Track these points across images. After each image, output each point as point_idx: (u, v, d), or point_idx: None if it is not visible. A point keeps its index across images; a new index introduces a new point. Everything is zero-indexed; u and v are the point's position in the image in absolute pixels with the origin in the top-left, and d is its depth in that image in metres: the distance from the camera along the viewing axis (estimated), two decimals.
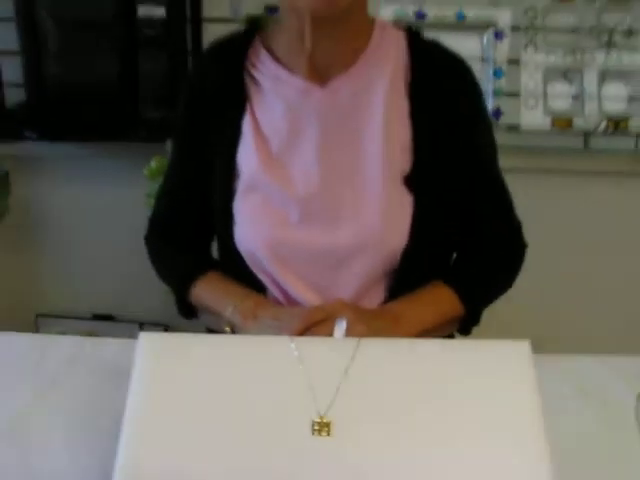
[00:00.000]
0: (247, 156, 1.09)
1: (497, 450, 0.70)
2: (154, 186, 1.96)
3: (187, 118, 1.16)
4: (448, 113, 1.08)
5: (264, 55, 1.10)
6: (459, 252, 1.17)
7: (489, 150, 1.16)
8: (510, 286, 1.17)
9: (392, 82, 1.08)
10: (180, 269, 1.19)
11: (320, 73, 1.06)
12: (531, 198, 2.02)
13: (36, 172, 2.24)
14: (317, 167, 1.06)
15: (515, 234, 1.19)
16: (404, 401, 0.72)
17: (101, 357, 1.02)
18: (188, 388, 0.73)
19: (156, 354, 0.77)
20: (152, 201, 1.96)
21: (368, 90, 1.07)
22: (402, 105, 1.08)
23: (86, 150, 2.17)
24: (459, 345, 0.79)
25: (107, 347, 1.05)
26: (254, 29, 1.12)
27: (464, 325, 1.12)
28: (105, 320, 2.30)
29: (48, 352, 1.03)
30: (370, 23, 1.09)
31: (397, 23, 1.17)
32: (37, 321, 2.31)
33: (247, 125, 1.09)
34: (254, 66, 1.10)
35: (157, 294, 2.00)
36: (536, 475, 0.69)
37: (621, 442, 0.87)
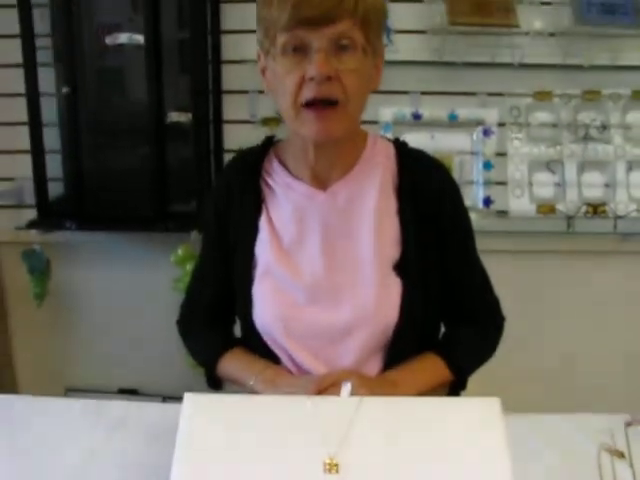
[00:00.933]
0: (263, 249, 1.23)
1: None
2: (180, 271, 2.16)
3: (213, 219, 1.30)
4: (431, 210, 1.22)
5: (277, 165, 1.25)
6: (446, 326, 1.31)
7: (467, 238, 1.29)
8: (492, 355, 1.31)
9: (382, 185, 1.22)
10: (208, 347, 1.33)
11: (322, 180, 1.21)
12: (520, 277, 2.22)
13: (73, 259, 2.36)
14: (320, 258, 1.20)
15: (494, 309, 1.33)
16: (397, 447, 0.89)
17: (147, 418, 1.15)
18: (225, 439, 0.90)
19: (198, 412, 0.95)
20: (178, 285, 2.16)
21: (362, 193, 1.21)
22: (391, 204, 1.22)
23: (119, 239, 2.31)
24: (441, 402, 0.97)
25: (151, 409, 1.19)
26: (269, 144, 1.30)
27: (453, 389, 1.26)
28: (130, 394, 2.42)
29: (100, 415, 1.17)
30: (363, 137, 1.25)
31: (385, 136, 1.34)
32: (66, 395, 2.42)
33: (263, 223, 1.24)
34: (268, 174, 1.26)
35: (178, 369, 2.17)
36: None
37: None
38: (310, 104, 1.09)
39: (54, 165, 2.27)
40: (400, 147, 1.27)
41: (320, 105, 1.09)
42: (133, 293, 2.38)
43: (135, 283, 2.37)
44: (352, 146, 1.22)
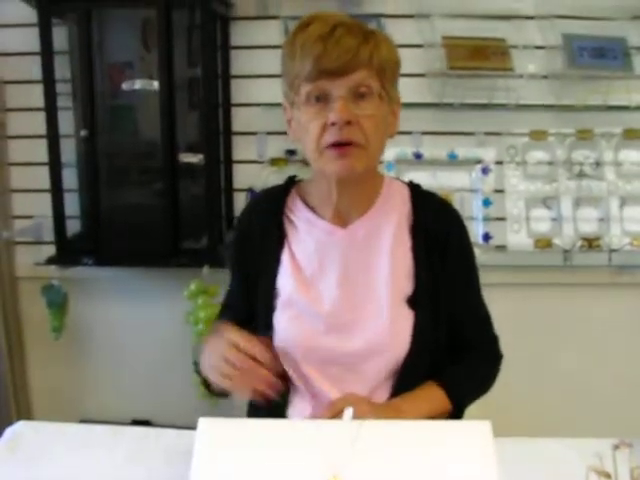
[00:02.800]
0: (285, 280, 1.29)
1: None
2: (192, 305, 2.22)
3: (239, 253, 1.37)
4: (440, 247, 1.29)
5: (299, 203, 1.32)
6: (450, 358, 1.35)
7: (472, 274, 1.37)
8: (489, 388, 1.37)
9: (398, 224, 1.29)
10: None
11: (342, 218, 1.28)
12: (519, 309, 2.27)
13: (90, 293, 2.42)
14: (339, 290, 1.26)
15: (494, 347, 1.40)
16: (395, 467, 0.95)
17: (164, 443, 1.22)
18: (237, 461, 0.97)
19: (212, 436, 1.02)
20: (190, 318, 2.21)
21: (379, 231, 1.28)
22: (406, 242, 1.29)
23: (134, 274, 2.37)
24: (437, 425, 1.05)
25: (167, 435, 1.25)
26: (291, 183, 1.37)
27: (451, 417, 1.30)
28: (143, 425, 2.37)
29: (118, 439, 1.23)
30: (380, 179, 1.33)
31: (400, 179, 1.41)
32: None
33: (285, 256, 1.30)
34: (291, 211, 1.32)
35: (191, 401, 2.21)
36: None
37: None
38: (333, 145, 1.18)
39: (72, 203, 2.34)
40: (414, 189, 1.35)
41: (342, 145, 1.17)
42: (147, 326, 2.42)
43: (149, 317, 2.41)
44: (371, 186, 1.30)
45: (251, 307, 1.35)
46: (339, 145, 1.17)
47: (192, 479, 0.97)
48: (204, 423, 1.04)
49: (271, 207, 1.34)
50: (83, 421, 2.44)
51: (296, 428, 1.02)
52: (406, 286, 1.27)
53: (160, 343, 2.40)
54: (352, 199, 1.28)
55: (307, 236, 1.31)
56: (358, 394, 1.23)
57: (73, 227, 2.35)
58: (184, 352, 2.16)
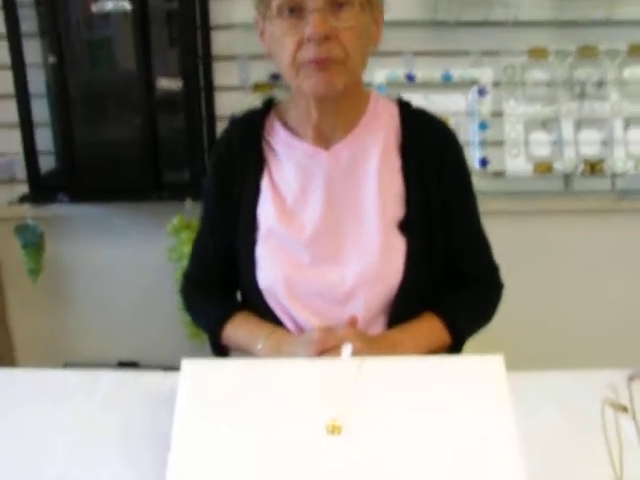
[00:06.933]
0: (265, 210, 1.23)
1: (475, 453, 0.84)
2: (175, 241, 2.14)
3: (215, 181, 1.30)
4: (434, 168, 1.22)
5: (278, 126, 1.26)
6: (447, 289, 1.30)
7: (471, 201, 1.30)
8: (489, 321, 1.32)
9: (385, 144, 1.22)
10: (213, 315, 1.32)
11: (324, 139, 1.22)
12: (517, 238, 2.20)
13: (67, 232, 2.34)
14: (323, 217, 1.20)
15: (493, 276, 1.34)
16: (399, 407, 0.88)
17: (144, 386, 1.14)
18: (224, 405, 0.89)
19: (197, 378, 0.93)
20: (173, 255, 2.13)
21: (365, 151, 1.22)
22: (395, 163, 1.22)
23: (113, 210, 2.30)
24: (443, 360, 0.96)
25: (149, 377, 1.17)
26: (270, 105, 1.29)
27: (450, 350, 1.26)
28: (130, 367, 2.40)
29: (96, 385, 1.16)
30: (366, 96, 1.25)
31: (389, 96, 1.33)
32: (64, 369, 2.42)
33: (265, 184, 1.24)
34: (270, 135, 1.26)
35: (179, 340, 2.18)
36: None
37: (588, 444, 0.95)
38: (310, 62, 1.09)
39: (45, 139, 2.25)
40: (403, 106, 1.27)
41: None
42: (129, 265, 2.36)
43: (130, 255, 2.35)
44: (354, 104, 1.22)
45: (230, 244, 1.28)
46: (317, 61, 1.08)
47: (175, 426, 0.89)
48: (188, 365, 0.96)
49: (249, 131, 1.27)
50: (68, 365, 2.41)
51: (289, 368, 0.94)
52: (397, 210, 1.21)
53: (143, 282, 2.34)
54: (334, 118, 1.20)
55: (287, 161, 1.24)
56: (348, 326, 1.16)
57: (47, 164, 2.27)
58: (168, 290, 2.10)
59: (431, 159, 1.22)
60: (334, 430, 0.85)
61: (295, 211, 1.22)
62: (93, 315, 2.44)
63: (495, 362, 0.93)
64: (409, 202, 1.21)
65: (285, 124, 1.26)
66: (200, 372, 0.94)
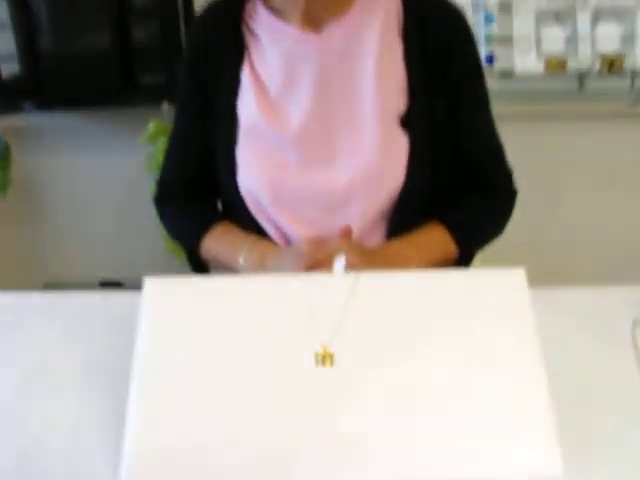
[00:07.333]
0: (246, 104, 1.12)
1: (496, 372, 0.73)
2: (153, 149, 2.00)
3: (189, 72, 1.18)
4: (442, 55, 1.10)
5: (260, 8, 1.13)
6: (454, 196, 1.19)
7: (483, 96, 1.17)
8: (501, 231, 1.21)
9: (385, 27, 1.10)
10: (190, 226, 1.22)
11: (314, 22, 1.09)
12: (527, 144, 2.05)
13: (36, 143, 2.25)
14: (313, 109, 1.09)
15: (507, 181, 1.22)
16: (403, 332, 0.75)
17: (112, 309, 1.04)
18: (194, 328, 0.76)
19: (161, 298, 0.80)
20: (151, 164, 2.00)
21: (361, 35, 1.10)
22: (396, 48, 1.10)
23: (84, 119, 2.19)
24: (455, 275, 0.82)
25: (117, 299, 1.07)
26: None
27: (457, 265, 1.15)
28: (113, 287, 2.32)
29: (61, 307, 1.06)
30: None
31: None
32: (44, 290, 2.35)
33: (246, 74, 1.12)
34: (251, 18, 1.14)
35: (161, 255, 2.07)
36: (534, 397, 0.73)
37: (617, 364, 0.89)
38: None
39: (6, 41, 2.08)
40: None
41: None
42: (105, 177, 2.28)
43: (106, 166, 2.26)
44: None
45: (207, 145, 1.16)
46: None
47: (137, 354, 0.76)
48: (152, 284, 0.82)
49: (228, 14, 1.15)
50: (48, 285, 2.35)
51: (272, 286, 0.80)
52: (398, 102, 1.10)
53: (120, 194, 2.26)
54: None
55: (271, 47, 1.13)
56: (342, 237, 1.04)
57: (9, 68, 2.11)
58: (147, 202, 1.96)
59: (437, 43, 1.11)
60: (325, 360, 0.73)
61: (280, 103, 1.11)
62: (70, 232, 2.37)
63: (516, 276, 0.80)
64: (412, 93, 1.10)
65: (269, 5, 1.13)
66: (166, 292, 0.81)
